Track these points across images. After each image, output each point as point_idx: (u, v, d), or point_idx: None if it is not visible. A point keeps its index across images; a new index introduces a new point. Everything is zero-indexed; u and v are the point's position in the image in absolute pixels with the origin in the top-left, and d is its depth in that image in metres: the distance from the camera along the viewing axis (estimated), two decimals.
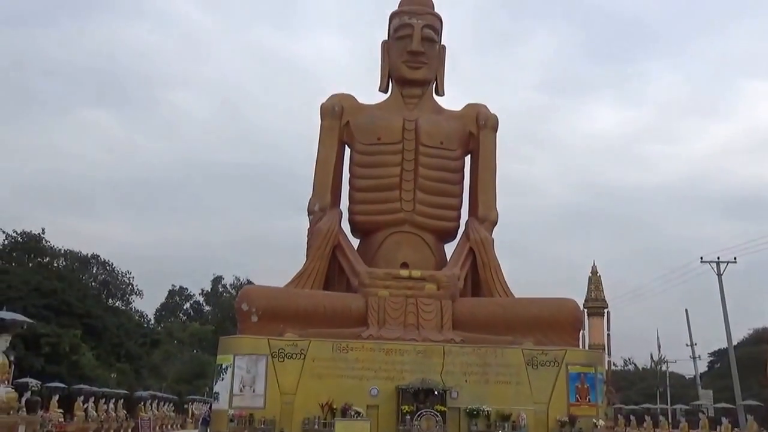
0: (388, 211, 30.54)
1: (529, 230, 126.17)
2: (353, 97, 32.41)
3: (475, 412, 25.51)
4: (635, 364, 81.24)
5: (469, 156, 32.51)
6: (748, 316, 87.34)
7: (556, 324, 27.84)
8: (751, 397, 40.58)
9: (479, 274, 30.18)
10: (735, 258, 43.94)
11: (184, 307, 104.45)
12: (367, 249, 30.93)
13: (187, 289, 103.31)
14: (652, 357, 68.03)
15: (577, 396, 26.34)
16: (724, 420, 31.60)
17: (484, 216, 31.36)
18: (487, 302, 29.07)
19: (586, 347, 36.08)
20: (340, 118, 31.74)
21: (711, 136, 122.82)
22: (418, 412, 24.48)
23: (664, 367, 66.96)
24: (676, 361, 68.58)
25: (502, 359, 26.50)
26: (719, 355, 58.24)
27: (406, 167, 30.73)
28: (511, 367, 26.43)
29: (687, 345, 57.43)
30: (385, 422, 25.25)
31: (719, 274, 43.09)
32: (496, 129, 32.44)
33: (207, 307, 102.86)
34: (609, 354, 40.84)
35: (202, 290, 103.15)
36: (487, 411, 25.57)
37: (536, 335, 27.55)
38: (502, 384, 26.15)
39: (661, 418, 37.26)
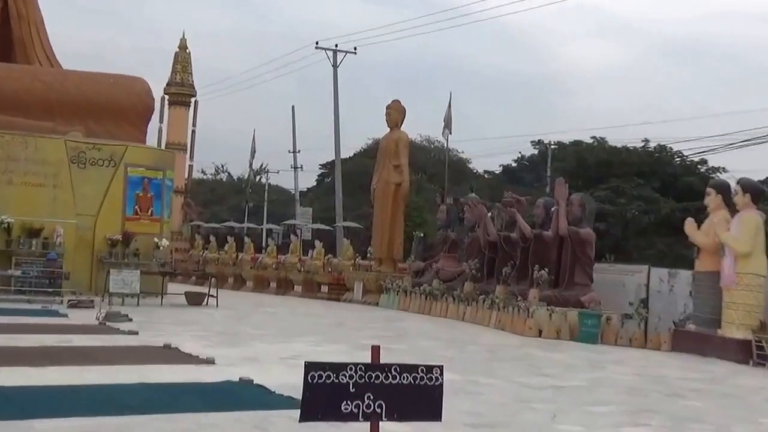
0: None
1: None
2: None
3: None
4: (230, 173, 73.93)
5: None
6: (367, 126, 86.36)
7: (118, 110, 24.10)
8: (356, 218, 38.03)
9: (13, 30, 25.49)
10: (355, 48, 39.36)
11: None
12: None
13: None
14: (251, 165, 55.73)
15: (137, 208, 22.51)
16: (317, 243, 28.76)
17: None
18: (20, 72, 24.49)
19: (162, 146, 30.62)
20: None
21: None
22: None
23: (264, 179, 61.18)
24: (279, 172, 61.57)
25: (35, 153, 21.81)
26: (331, 168, 48.70)
27: None
28: (48, 164, 21.87)
29: (291, 152, 49.90)
30: None
31: (335, 66, 38.96)
32: None
33: None
34: (191, 157, 34.80)
35: None
36: (8, 223, 20.66)
37: (88, 124, 23.42)
38: (34, 187, 21.64)
39: (247, 239, 32.71)
